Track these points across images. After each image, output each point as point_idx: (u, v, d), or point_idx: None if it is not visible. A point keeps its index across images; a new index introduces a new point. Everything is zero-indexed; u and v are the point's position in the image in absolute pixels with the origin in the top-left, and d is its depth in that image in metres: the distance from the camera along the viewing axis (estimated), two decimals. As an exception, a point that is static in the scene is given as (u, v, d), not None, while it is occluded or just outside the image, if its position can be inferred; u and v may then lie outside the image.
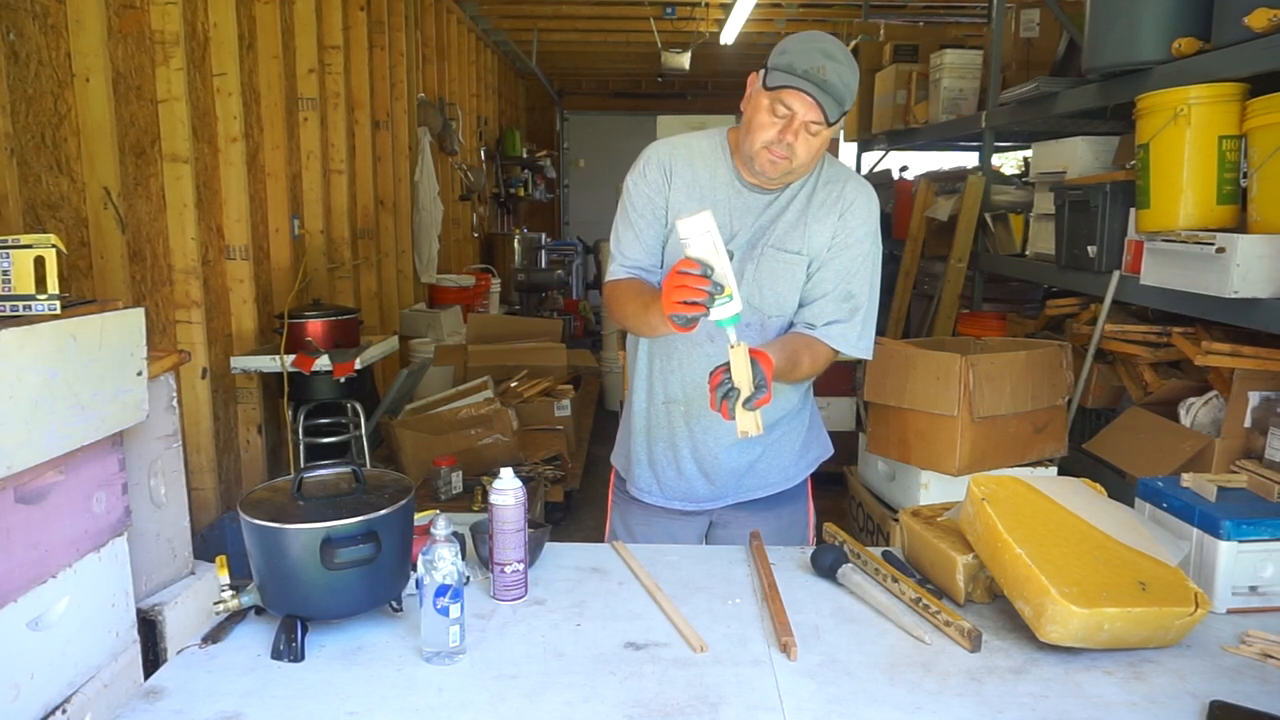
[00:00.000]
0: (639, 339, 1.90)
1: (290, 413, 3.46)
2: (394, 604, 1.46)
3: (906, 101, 5.22)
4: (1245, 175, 2.49)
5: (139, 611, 1.95)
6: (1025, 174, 4.57)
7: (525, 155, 9.54)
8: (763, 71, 1.69)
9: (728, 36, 7.58)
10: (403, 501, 1.42)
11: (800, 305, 1.82)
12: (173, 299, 3.12)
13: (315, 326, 3.45)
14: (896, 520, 1.88)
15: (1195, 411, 2.73)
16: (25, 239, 1.54)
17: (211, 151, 3.37)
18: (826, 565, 1.62)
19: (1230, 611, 1.53)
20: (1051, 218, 3.44)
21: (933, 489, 2.77)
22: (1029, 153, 4.34)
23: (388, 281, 5.22)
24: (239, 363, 3.42)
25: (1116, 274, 2.96)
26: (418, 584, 1.35)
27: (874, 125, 5.77)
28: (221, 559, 1.44)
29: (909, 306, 5.12)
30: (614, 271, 1.85)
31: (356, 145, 4.73)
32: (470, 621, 1.41)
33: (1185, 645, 1.41)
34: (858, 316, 1.81)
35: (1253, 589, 1.55)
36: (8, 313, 1.53)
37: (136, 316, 1.74)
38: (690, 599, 1.55)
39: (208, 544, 2.97)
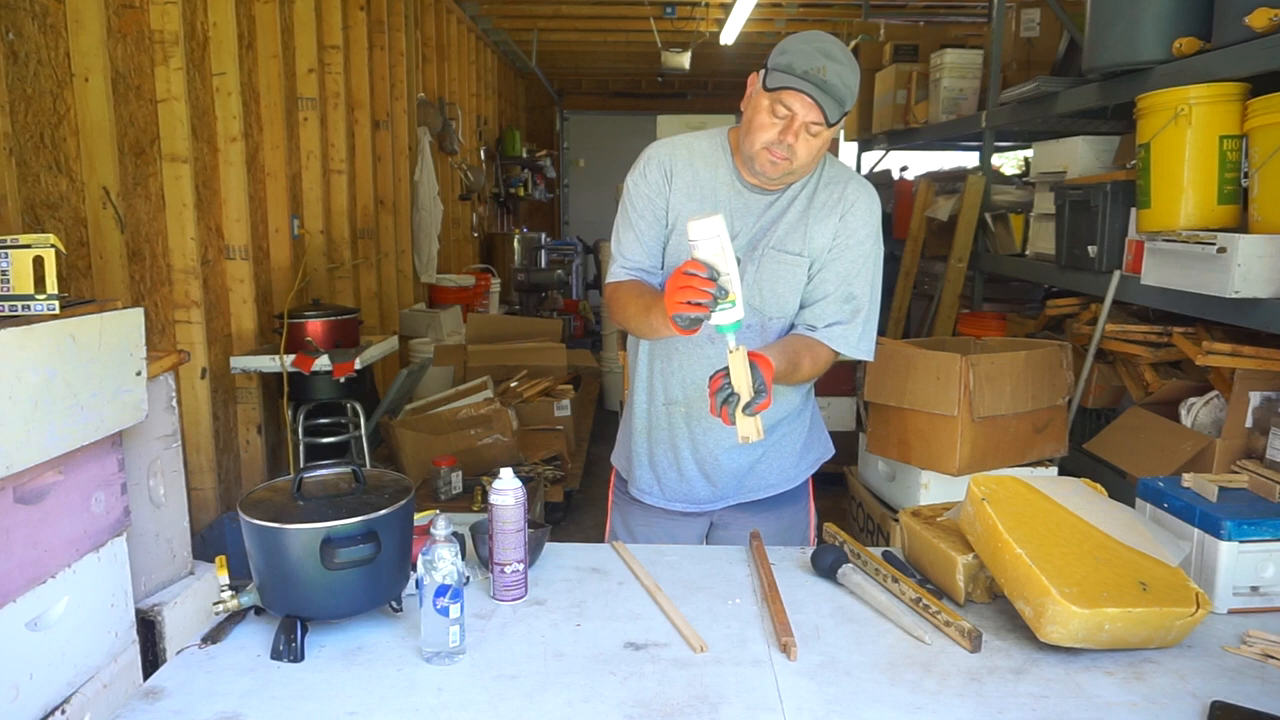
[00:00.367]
0: (639, 340, 1.90)
1: (290, 413, 3.46)
2: (394, 604, 1.46)
3: (906, 101, 5.22)
4: (1246, 175, 2.49)
5: (138, 612, 1.95)
6: (1025, 174, 4.57)
7: (525, 155, 9.54)
8: (763, 72, 1.69)
9: (728, 36, 7.58)
10: (403, 501, 1.42)
11: (801, 307, 1.82)
12: (172, 299, 3.12)
13: (315, 326, 3.45)
14: (896, 520, 1.88)
15: (1196, 411, 2.73)
16: (24, 239, 1.54)
17: (211, 151, 3.37)
18: (826, 565, 1.62)
19: (1231, 612, 1.53)
20: (1052, 218, 3.44)
21: (933, 489, 2.77)
22: (1029, 153, 4.34)
23: (387, 281, 5.21)
24: (238, 363, 3.42)
25: (1117, 274, 2.95)
26: (418, 584, 1.34)
27: (874, 125, 5.77)
28: (221, 559, 1.44)
29: (909, 306, 5.12)
30: (615, 273, 1.84)
31: (356, 145, 4.73)
32: (470, 621, 1.41)
33: (1186, 645, 1.41)
34: (859, 318, 1.81)
35: (1254, 589, 1.55)
36: (7, 313, 1.53)
37: (136, 316, 1.74)
38: (690, 599, 1.55)
39: (207, 544, 2.97)
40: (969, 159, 6.02)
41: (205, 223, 3.29)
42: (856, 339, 1.81)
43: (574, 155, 11.44)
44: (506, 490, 1.51)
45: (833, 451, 2.05)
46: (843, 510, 3.60)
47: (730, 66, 9.14)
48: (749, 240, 1.78)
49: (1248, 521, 1.54)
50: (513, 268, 8.11)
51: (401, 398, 4.27)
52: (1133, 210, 2.89)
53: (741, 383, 1.50)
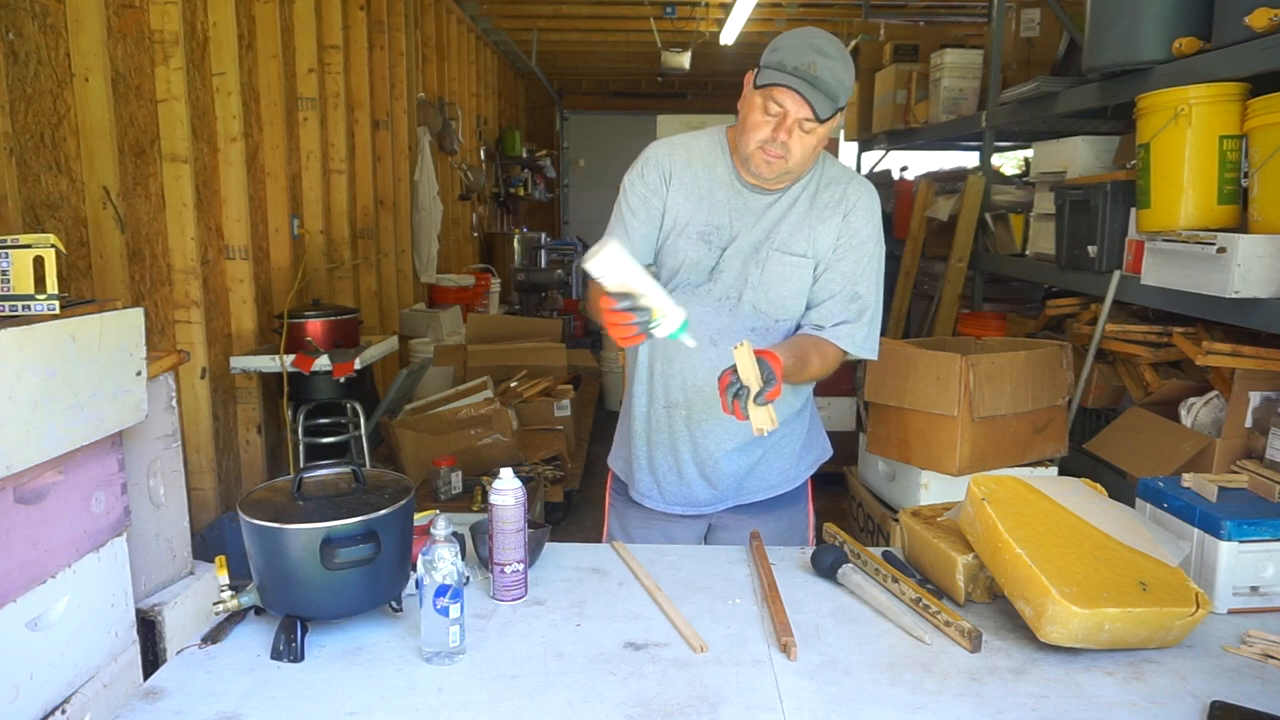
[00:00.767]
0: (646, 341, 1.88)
1: (290, 413, 3.46)
2: (394, 604, 1.46)
3: (906, 101, 5.22)
4: (1246, 175, 2.49)
5: (138, 612, 1.95)
6: (1025, 174, 4.57)
7: (525, 155, 9.54)
8: (757, 69, 1.68)
9: (728, 36, 7.58)
10: (403, 501, 1.42)
11: (807, 308, 1.82)
12: (172, 299, 3.12)
13: (315, 326, 3.45)
14: (896, 520, 1.88)
15: (1196, 411, 2.73)
16: (24, 239, 1.54)
17: (211, 151, 3.37)
18: (826, 565, 1.62)
19: (1231, 612, 1.53)
20: (1052, 218, 3.44)
21: (933, 489, 2.77)
22: (1029, 153, 4.34)
23: (387, 281, 5.21)
24: (238, 363, 3.42)
25: (1117, 274, 2.95)
26: (418, 584, 1.34)
27: (874, 125, 5.77)
28: (221, 559, 1.44)
29: (909, 306, 5.12)
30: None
31: (356, 145, 4.73)
32: (470, 621, 1.41)
33: (1186, 645, 1.41)
34: (865, 317, 1.82)
35: (1253, 589, 1.55)
36: (7, 313, 1.53)
37: (136, 316, 1.74)
38: (690, 599, 1.55)
39: (207, 544, 2.96)
40: (969, 159, 6.02)
41: (205, 223, 3.29)
42: (863, 338, 1.82)
43: (574, 155, 11.45)
44: (506, 490, 1.51)
45: (831, 452, 2.05)
46: (843, 510, 3.60)
47: (730, 66, 9.14)
48: (752, 242, 1.77)
49: (1248, 521, 1.54)
50: (513, 268, 8.11)
51: (401, 398, 4.27)
52: (1133, 210, 2.89)
53: (750, 375, 1.50)
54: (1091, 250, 3.06)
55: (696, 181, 1.79)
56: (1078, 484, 1.66)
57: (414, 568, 1.43)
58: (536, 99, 11.35)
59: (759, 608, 1.53)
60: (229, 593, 1.39)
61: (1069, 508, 1.52)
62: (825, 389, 1.91)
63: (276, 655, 1.35)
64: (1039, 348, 2.81)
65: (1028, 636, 1.40)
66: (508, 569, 1.52)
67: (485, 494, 2.84)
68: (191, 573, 2.20)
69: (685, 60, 7.93)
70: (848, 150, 6.80)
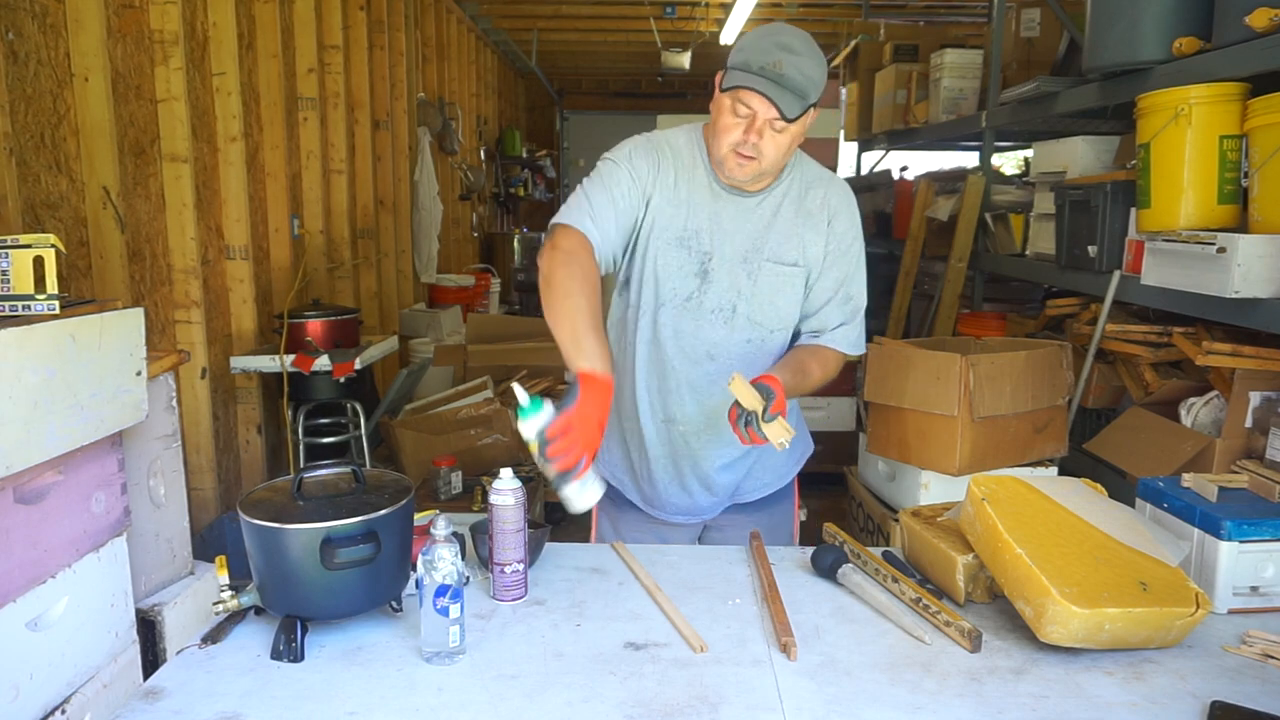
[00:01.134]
0: (630, 358, 1.82)
1: (290, 413, 3.46)
2: (394, 604, 1.46)
3: (906, 101, 5.22)
4: (1246, 175, 2.49)
5: (138, 611, 1.95)
6: (1025, 174, 4.57)
7: (525, 155, 9.55)
8: (724, 70, 1.64)
9: (728, 36, 7.58)
10: (403, 501, 1.42)
11: (803, 316, 1.81)
12: (172, 299, 3.12)
13: (315, 326, 3.45)
14: (896, 520, 1.88)
15: (1196, 411, 2.73)
16: (24, 239, 1.54)
17: (211, 151, 3.37)
18: (826, 565, 1.62)
19: (1231, 612, 1.53)
20: (1052, 218, 3.44)
21: (933, 489, 2.76)
22: (1029, 153, 4.34)
23: (387, 281, 5.21)
24: (238, 363, 3.42)
25: (1117, 274, 2.95)
26: (418, 584, 1.34)
27: (874, 125, 5.77)
28: (221, 559, 1.44)
29: (909, 306, 5.12)
30: (577, 217, 1.66)
31: (356, 145, 4.73)
32: (470, 621, 1.41)
33: (1186, 645, 1.41)
34: (858, 317, 1.83)
35: (1254, 589, 1.55)
36: (7, 313, 1.53)
37: (136, 316, 1.74)
38: (690, 599, 1.55)
39: (207, 544, 2.96)
40: (969, 159, 6.02)
41: (205, 223, 3.29)
42: (856, 337, 1.83)
43: (574, 155, 11.44)
44: (506, 490, 1.51)
45: (813, 446, 2.06)
46: (843, 510, 3.60)
47: (730, 66, 9.13)
48: (739, 250, 1.73)
49: (1248, 521, 1.54)
50: (513, 268, 8.11)
51: (401, 398, 4.27)
52: (1133, 210, 2.88)
53: (752, 400, 1.52)
54: (1091, 250, 3.06)
55: (677, 183, 1.74)
56: (1078, 484, 1.66)
57: (414, 568, 1.43)
58: (536, 99, 11.35)
59: (759, 608, 1.53)
60: (229, 593, 1.40)
61: (1069, 508, 1.52)
62: (825, 389, 1.91)
63: (276, 655, 1.35)
64: (1039, 348, 2.81)
65: (1028, 636, 1.40)
66: (508, 569, 1.52)
67: (485, 494, 2.84)
68: (191, 573, 2.20)
69: (685, 60, 7.93)
70: (848, 150, 6.81)
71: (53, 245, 1.54)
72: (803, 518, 3.07)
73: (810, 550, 1.69)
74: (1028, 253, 3.84)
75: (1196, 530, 1.59)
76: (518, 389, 1.45)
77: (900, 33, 6.05)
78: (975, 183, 4.22)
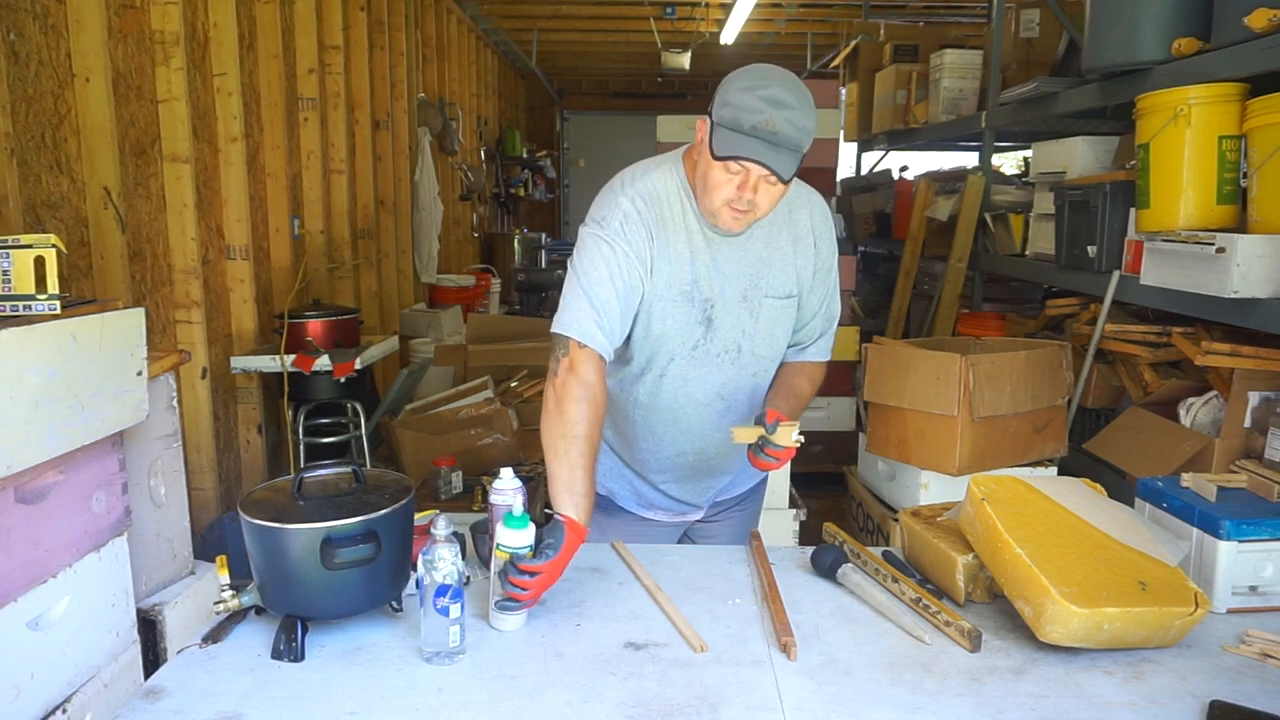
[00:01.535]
0: (629, 397, 1.78)
1: (290, 413, 3.46)
2: (394, 604, 1.46)
3: (906, 101, 5.22)
4: (1245, 175, 2.49)
5: (139, 611, 1.95)
6: (1025, 174, 4.57)
7: (525, 155, 9.55)
8: (709, 124, 1.55)
9: (728, 36, 7.58)
10: (403, 501, 1.42)
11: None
12: (173, 299, 3.12)
13: (315, 326, 3.45)
14: (896, 520, 1.88)
15: (1195, 411, 2.73)
16: (25, 239, 1.54)
17: (211, 151, 3.37)
18: (826, 565, 1.62)
19: (1230, 611, 1.53)
20: (1051, 218, 3.44)
21: (933, 489, 2.77)
22: (1029, 153, 4.34)
23: (388, 281, 5.21)
24: (239, 362, 3.42)
25: (1116, 274, 2.96)
26: (418, 584, 1.35)
27: (874, 125, 5.77)
28: (221, 559, 1.44)
29: (909, 306, 5.12)
30: (587, 331, 1.59)
31: (356, 145, 4.73)
32: (470, 621, 1.41)
33: (1185, 645, 1.41)
34: (834, 325, 1.86)
35: (1252, 589, 1.55)
36: (8, 313, 1.53)
37: (136, 316, 1.74)
38: (690, 599, 1.55)
39: (208, 544, 2.96)
40: (969, 159, 6.02)
41: (206, 223, 3.29)
42: (828, 343, 1.86)
43: (574, 155, 11.44)
44: (506, 490, 1.52)
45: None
46: (843, 510, 3.60)
47: (730, 66, 9.02)
48: (738, 290, 1.70)
49: (1247, 521, 1.55)
50: (513, 268, 8.11)
51: (402, 398, 4.27)
52: (1132, 210, 2.89)
53: (754, 434, 1.59)
54: (1091, 250, 3.06)
55: (674, 238, 1.65)
56: (1078, 484, 1.66)
57: (414, 568, 1.43)
58: (536, 99, 11.35)
59: (759, 608, 1.53)
60: (229, 592, 1.40)
61: (1069, 508, 1.53)
62: (825, 389, 1.93)
63: (277, 655, 1.35)
64: (1039, 348, 2.81)
65: (1027, 636, 1.40)
66: (508, 569, 1.52)
67: (485, 494, 2.84)
68: (192, 572, 2.20)
69: (685, 60, 7.93)
70: (848, 150, 6.80)
71: (53, 245, 1.55)
72: (802, 518, 3.08)
73: (810, 550, 1.69)
74: (1027, 253, 3.85)
75: (1196, 530, 1.59)
76: (514, 497, 1.51)
77: (900, 33, 6.05)
78: (975, 183, 4.22)
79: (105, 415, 1.66)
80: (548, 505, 1.56)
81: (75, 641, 1.68)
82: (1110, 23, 2.87)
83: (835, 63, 6.36)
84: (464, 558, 1.37)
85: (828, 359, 1.87)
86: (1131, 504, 1.70)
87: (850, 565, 1.61)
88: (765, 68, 1.55)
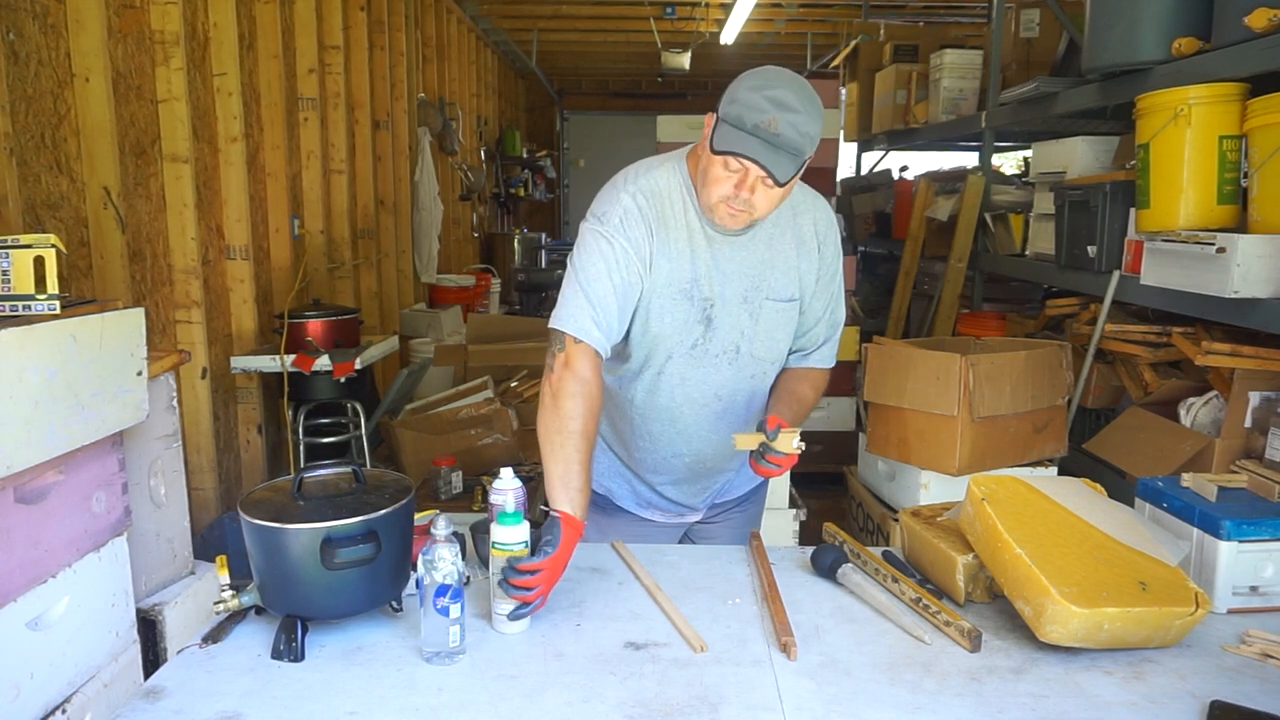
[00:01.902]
0: (632, 402, 1.78)
1: (290, 413, 3.46)
2: (394, 604, 1.46)
3: (906, 101, 5.22)
4: (1245, 175, 2.49)
5: (139, 611, 1.95)
6: (1025, 174, 4.57)
7: (525, 155, 9.55)
8: (715, 118, 1.55)
9: (728, 36, 7.58)
10: (403, 501, 1.42)
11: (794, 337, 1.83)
12: (173, 299, 3.12)
13: (315, 326, 3.45)
14: (896, 520, 1.88)
15: (1195, 411, 2.73)
16: (25, 239, 1.54)
17: (211, 151, 3.37)
18: (826, 565, 1.62)
19: (1230, 611, 1.53)
20: (1051, 218, 3.44)
21: (933, 489, 2.76)
22: (1029, 153, 4.34)
23: (388, 281, 5.22)
24: (239, 362, 3.42)
25: (1116, 274, 2.95)
26: (418, 584, 1.35)
27: (874, 125, 5.77)
28: (221, 559, 1.44)
29: (909, 306, 5.12)
30: (582, 326, 1.60)
31: (356, 145, 4.73)
32: (470, 621, 1.41)
33: (1185, 645, 1.41)
34: (838, 331, 1.85)
35: (1253, 589, 1.55)
36: (8, 313, 1.53)
37: (136, 316, 1.74)
38: (690, 599, 1.55)
39: (208, 544, 2.96)
40: (969, 159, 6.02)
41: (206, 223, 3.29)
42: (833, 350, 1.86)
43: (574, 155, 11.44)
44: (507, 490, 1.52)
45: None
46: (843, 510, 3.60)
47: (730, 66, 9.08)
48: (739, 291, 1.70)
49: (1247, 521, 1.54)
50: (513, 268, 8.11)
51: (402, 398, 4.27)
52: (1132, 210, 2.89)
53: (755, 441, 1.59)
54: (1091, 250, 3.06)
55: (674, 236, 1.66)
56: (1078, 484, 1.66)
57: (414, 568, 1.43)
58: (536, 99, 11.35)
59: (759, 608, 1.53)
60: (229, 592, 1.40)
61: (1069, 508, 1.53)
62: (825, 389, 1.93)
63: (277, 655, 1.35)
64: (1039, 348, 2.81)
65: (1027, 636, 1.40)
66: (508, 569, 1.52)
67: (485, 494, 2.84)
68: (192, 572, 2.20)
69: (685, 60, 7.93)
70: (848, 150, 6.81)
71: (53, 245, 1.55)
72: (802, 518, 3.08)
73: (810, 550, 1.69)
74: (1027, 253, 3.85)
75: (1196, 530, 1.59)
76: (508, 497, 1.50)
77: (900, 33, 6.05)
78: (975, 183, 4.22)
79: (105, 415, 1.66)
80: (546, 504, 1.56)
81: (75, 641, 1.67)
82: (1110, 23, 2.87)
83: (835, 63, 6.36)
84: (464, 558, 1.37)
85: (832, 365, 1.87)
86: (1131, 504, 1.70)
87: (850, 565, 1.61)
88: (778, 70, 1.54)
